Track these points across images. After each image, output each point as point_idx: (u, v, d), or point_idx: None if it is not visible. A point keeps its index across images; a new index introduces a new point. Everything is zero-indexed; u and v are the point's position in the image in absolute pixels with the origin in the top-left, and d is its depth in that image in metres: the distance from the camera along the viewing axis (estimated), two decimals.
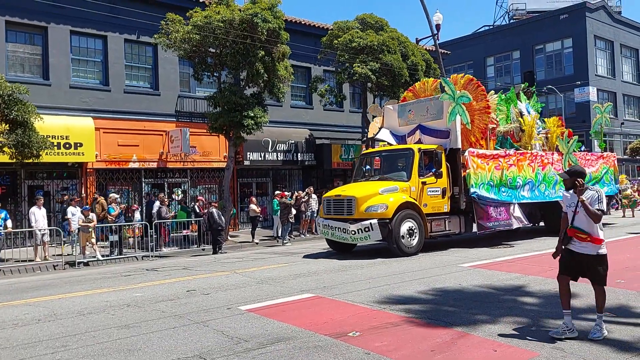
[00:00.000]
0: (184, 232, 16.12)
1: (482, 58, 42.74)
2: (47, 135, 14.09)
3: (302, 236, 18.22)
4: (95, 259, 13.62)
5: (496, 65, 42.56)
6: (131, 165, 18.17)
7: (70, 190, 17.52)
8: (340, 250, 13.13)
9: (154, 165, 18.71)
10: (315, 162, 22.78)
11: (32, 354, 5.40)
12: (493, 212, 13.59)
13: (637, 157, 35.65)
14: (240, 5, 16.96)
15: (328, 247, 13.64)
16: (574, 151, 16.20)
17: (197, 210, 16.33)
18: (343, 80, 21.16)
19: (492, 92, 16.33)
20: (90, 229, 13.54)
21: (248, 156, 20.41)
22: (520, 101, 16.54)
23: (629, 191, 23.04)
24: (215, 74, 17.11)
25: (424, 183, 12.60)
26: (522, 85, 25.52)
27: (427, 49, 25.15)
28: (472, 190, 13.05)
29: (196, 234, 16.17)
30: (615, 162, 18.47)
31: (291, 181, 23.27)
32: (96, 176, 17.70)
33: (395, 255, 11.79)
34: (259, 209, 18.67)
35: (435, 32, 23.07)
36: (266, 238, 17.90)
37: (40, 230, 13.80)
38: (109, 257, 14.04)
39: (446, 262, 10.77)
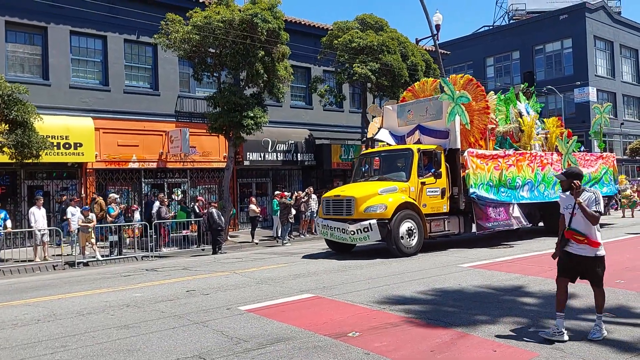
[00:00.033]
0: (184, 232, 16.12)
1: (481, 58, 42.73)
2: (46, 136, 14.08)
3: (302, 236, 18.21)
4: (95, 259, 13.62)
5: (496, 65, 42.55)
6: (131, 165, 18.17)
7: (69, 191, 17.52)
8: (340, 251, 13.13)
9: (154, 165, 18.71)
10: (315, 162, 22.78)
11: (31, 354, 5.40)
12: (492, 213, 13.59)
13: (637, 158, 35.64)
14: (240, 6, 16.96)
15: (327, 247, 13.64)
16: (574, 151, 16.20)
17: (197, 211, 16.32)
18: (343, 81, 21.15)
19: (492, 92, 16.36)
20: (89, 229, 13.54)
21: (248, 156, 20.41)
22: (520, 101, 16.56)
23: (628, 191, 23.05)
24: (215, 74, 17.12)
25: (423, 183, 12.60)
26: (522, 85, 25.61)
27: (427, 49, 25.12)
28: (471, 190, 13.05)
29: (196, 234, 16.15)
30: (615, 162, 18.45)
31: (291, 181, 23.27)
32: (96, 176, 17.71)
33: (394, 255, 11.78)
34: (259, 209, 18.66)
35: (435, 32, 23.09)
36: (266, 238, 17.90)
37: (39, 230, 13.80)
38: (109, 258, 14.03)
39: (446, 263, 10.77)
